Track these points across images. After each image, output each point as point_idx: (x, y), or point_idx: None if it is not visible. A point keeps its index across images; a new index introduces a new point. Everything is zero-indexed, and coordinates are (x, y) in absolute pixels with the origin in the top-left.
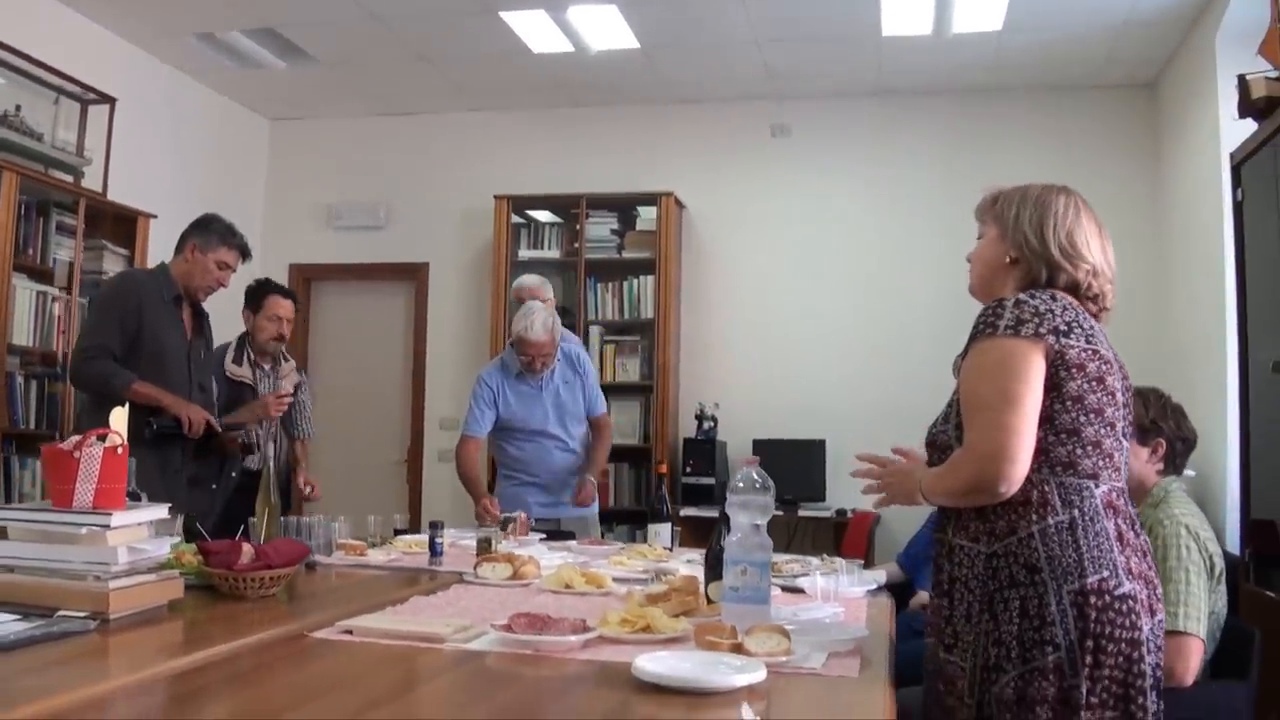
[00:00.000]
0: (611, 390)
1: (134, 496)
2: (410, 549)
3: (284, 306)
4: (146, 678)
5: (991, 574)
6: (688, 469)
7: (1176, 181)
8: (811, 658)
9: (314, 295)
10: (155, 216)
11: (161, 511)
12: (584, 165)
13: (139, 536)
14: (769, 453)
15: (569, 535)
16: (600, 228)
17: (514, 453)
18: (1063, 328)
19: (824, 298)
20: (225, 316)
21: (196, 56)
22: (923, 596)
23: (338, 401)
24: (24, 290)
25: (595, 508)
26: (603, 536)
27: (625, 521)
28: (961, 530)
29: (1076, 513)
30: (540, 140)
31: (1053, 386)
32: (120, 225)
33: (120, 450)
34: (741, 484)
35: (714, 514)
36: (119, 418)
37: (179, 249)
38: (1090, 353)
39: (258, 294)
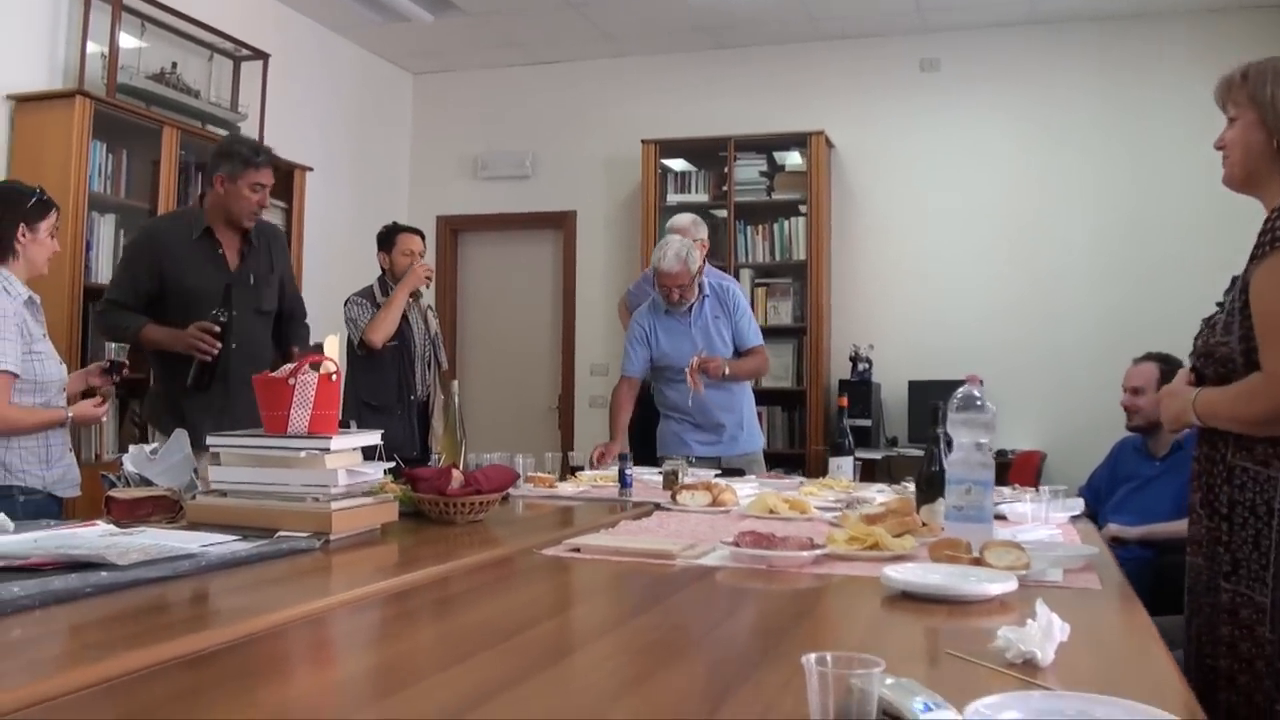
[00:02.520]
0: (764, 334)
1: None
2: (597, 482)
3: (415, 242)
4: (379, 591)
5: None
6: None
7: None
8: (1049, 572)
9: (461, 246)
10: (311, 169)
11: (375, 437)
12: (731, 108)
13: (354, 460)
14: (926, 394)
15: (738, 473)
16: (749, 169)
17: (669, 393)
18: None
19: (978, 235)
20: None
21: (343, 12)
22: (1111, 529)
23: (488, 351)
24: None
25: (760, 446)
26: None
27: (778, 465)
28: (1244, 452)
29: None
30: (686, 84)
31: None
32: (277, 179)
33: (334, 377)
34: (963, 402)
35: (874, 455)
36: (332, 345)
37: (209, 182)
38: None
39: (389, 236)
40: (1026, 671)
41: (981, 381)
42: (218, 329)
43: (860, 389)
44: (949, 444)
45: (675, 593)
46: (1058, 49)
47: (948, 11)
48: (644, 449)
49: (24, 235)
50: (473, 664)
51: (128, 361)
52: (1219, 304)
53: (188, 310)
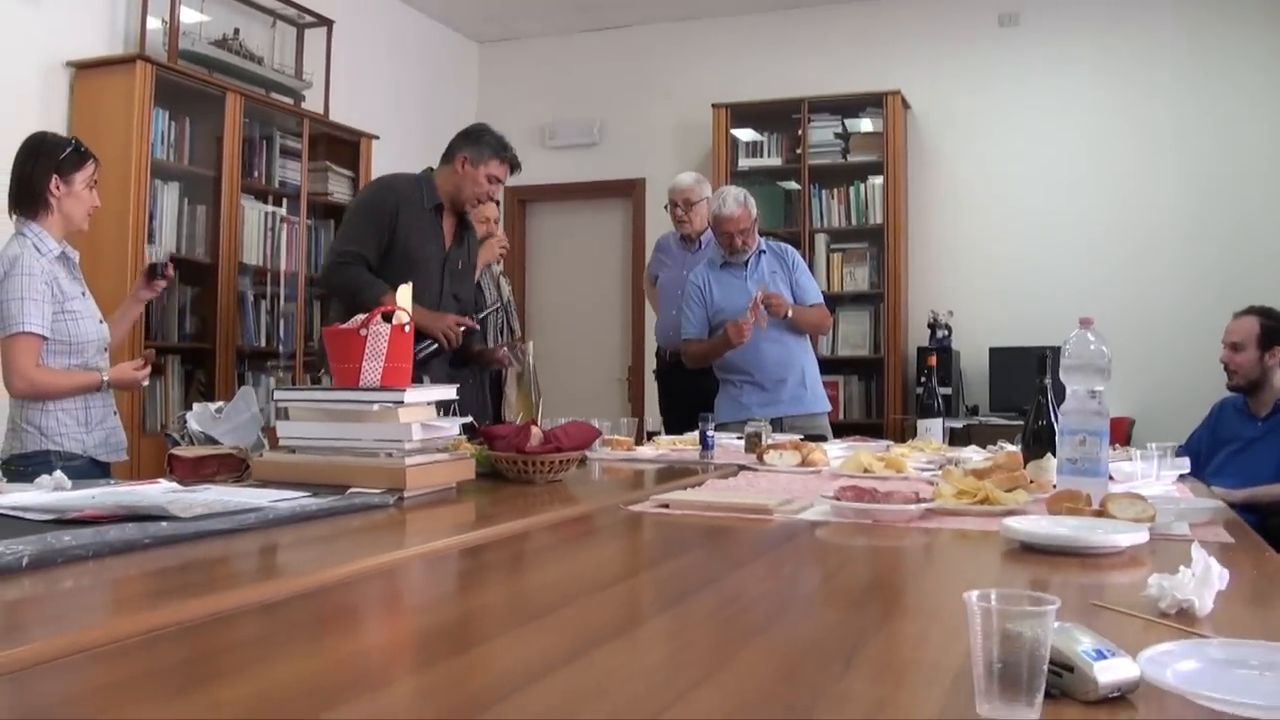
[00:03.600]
0: (840, 300)
1: None
2: (676, 446)
3: (489, 208)
4: (457, 544)
5: None
6: (922, 379)
7: None
8: (1175, 526)
9: (529, 216)
10: (377, 138)
11: (450, 391)
12: (803, 69)
13: (429, 415)
14: (1007, 361)
15: (819, 439)
16: (823, 132)
17: (726, 357)
18: None
19: (1060, 197)
20: None
21: None
22: (1215, 492)
23: (557, 321)
24: (252, 211)
25: (826, 410)
26: None
27: (857, 434)
28: None
29: None
30: (757, 46)
31: None
32: (342, 147)
33: (407, 329)
34: (1076, 347)
35: (955, 424)
36: (405, 295)
37: (447, 159)
38: None
39: None
40: (1184, 621)
41: (1094, 323)
42: (475, 327)
43: (940, 356)
44: (1059, 397)
45: (776, 547)
46: (1139, 1)
47: None
48: (688, 424)
49: (58, 188)
50: (568, 614)
51: (171, 261)
52: None
53: (403, 277)
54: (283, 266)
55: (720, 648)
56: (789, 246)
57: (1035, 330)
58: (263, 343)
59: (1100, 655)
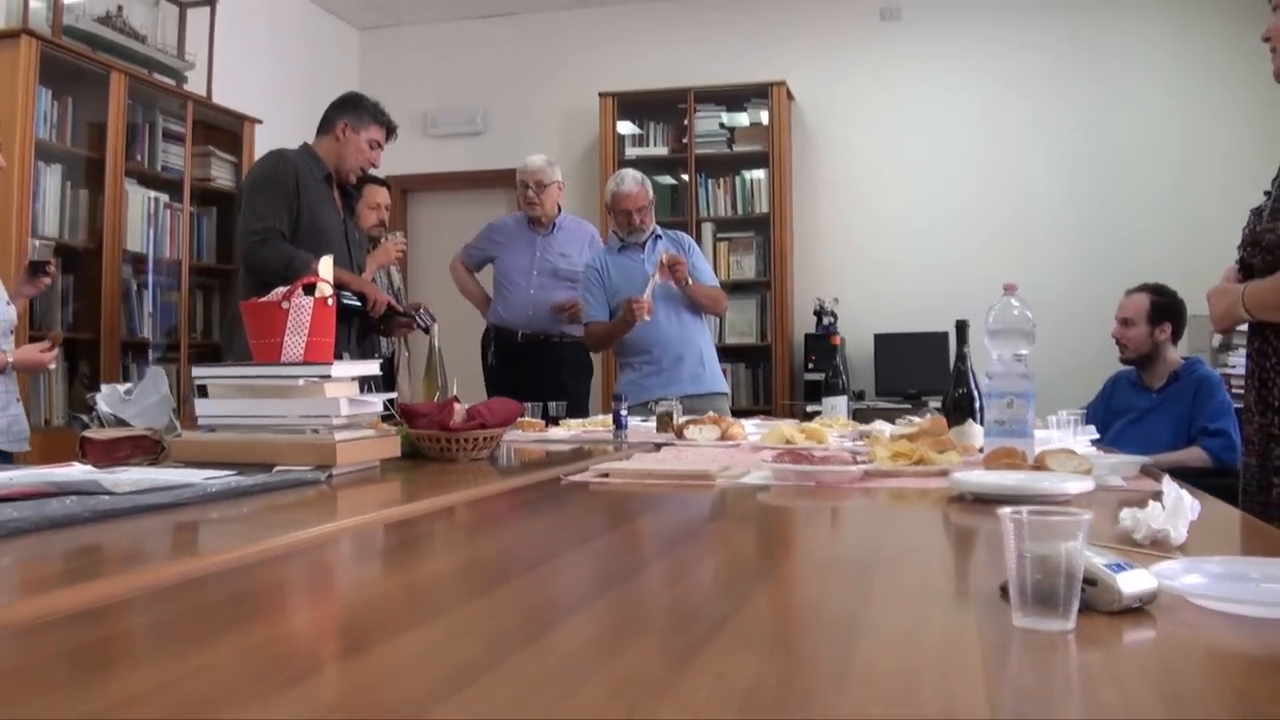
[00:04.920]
0: (727, 289)
1: None
2: (586, 428)
3: (381, 194)
4: (407, 513)
5: None
6: (809, 365)
7: None
8: (1109, 478)
9: (411, 206)
10: (260, 122)
11: (373, 367)
12: (690, 59)
13: (352, 390)
14: (892, 347)
15: None
16: (709, 122)
17: (625, 339)
18: None
19: (941, 185)
20: None
21: None
22: None
23: (440, 315)
24: (135, 196)
25: (725, 390)
26: None
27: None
28: None
29: None
30: (643, 35)
31: None
32: (225, 132)
33: (330, 302)
34: (1000, 314)
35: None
36: (326, 266)
37: (324, 129)
38: None
39: (355, 186)
40: (1161, 551)
41: (1018, 289)
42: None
43: (825, 343)
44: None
45: (726, 511)
46: None
47: None
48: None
49: None
50: (531, 581)
51: (52, 260)
52: (1266, 192)
53: (312, 248)
54: (165, 254)
55: (713, 615)
56: (684, 233)
57: (919, 316)
58: (146, 333)
59: (1119, 568)
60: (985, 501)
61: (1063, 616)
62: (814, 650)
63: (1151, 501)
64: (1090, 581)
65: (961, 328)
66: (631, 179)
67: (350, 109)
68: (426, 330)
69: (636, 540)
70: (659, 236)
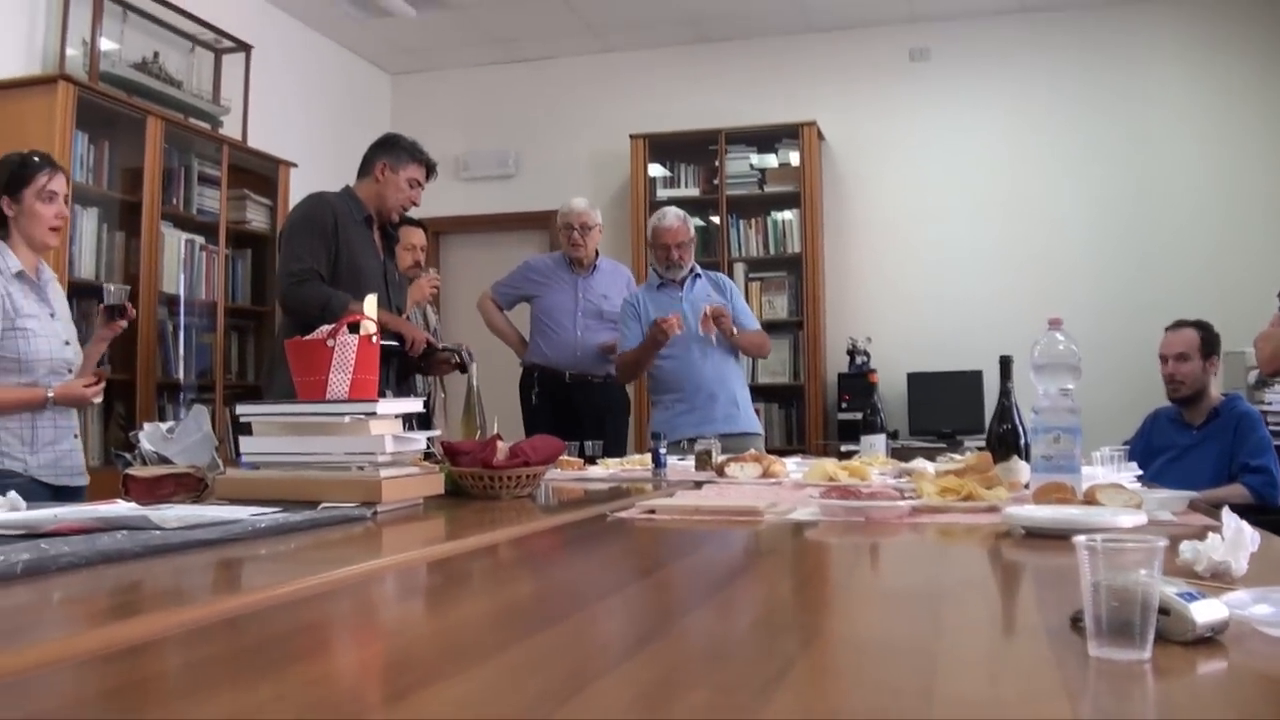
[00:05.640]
0: None
1: None
2: (625, 466)
3: (417, 235)
4: (455, 550)
5: None
6: (843, 404)
7: None
8: (1159, 513)
9: (444, 249)
10: (295, 165)
11: (417, 404)
12: (720, 101)
13: (396, 428)
14: (925, 386)
15: None
16: (740, 163)
17: (658, 373)
18: None
19: (972, 223)
20: None
21: (323, 8)
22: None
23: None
24: (171, 238)
25: (760, 430)
26: None
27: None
28: None
29: None
30: (674, 79)
31: None
32: (259, 176)
33: (374, 339)
34: (1045, 348)
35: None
36: (371, 305)
37: (364, 171)
38: None
39: (393, 226)
40: (1223, 583)
41: (1063, 323)
42: (438, 345)
43: (858, 382)
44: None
45: (777, 547)
46: (1047, 36)
47: (937, 0)
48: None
49: (9, 208)
50: (587, 617)
51: (128, 303)
52: None
53: (350, 289)
54: (200, 296)
55: (786, 648)
56: (724, 275)
57: (952, 355)
58: (179, 374)
59: (1191, 597)
60: (1036, 536)
61: (1139, 646)
62: (896, 681)
63: (1211, 534)
64: (1163, 611)
65: (1005, 363)
66: (674, 215)
67: (388, 149)
68: (465, 369)
69: (691, 576)
70: (698, 275)
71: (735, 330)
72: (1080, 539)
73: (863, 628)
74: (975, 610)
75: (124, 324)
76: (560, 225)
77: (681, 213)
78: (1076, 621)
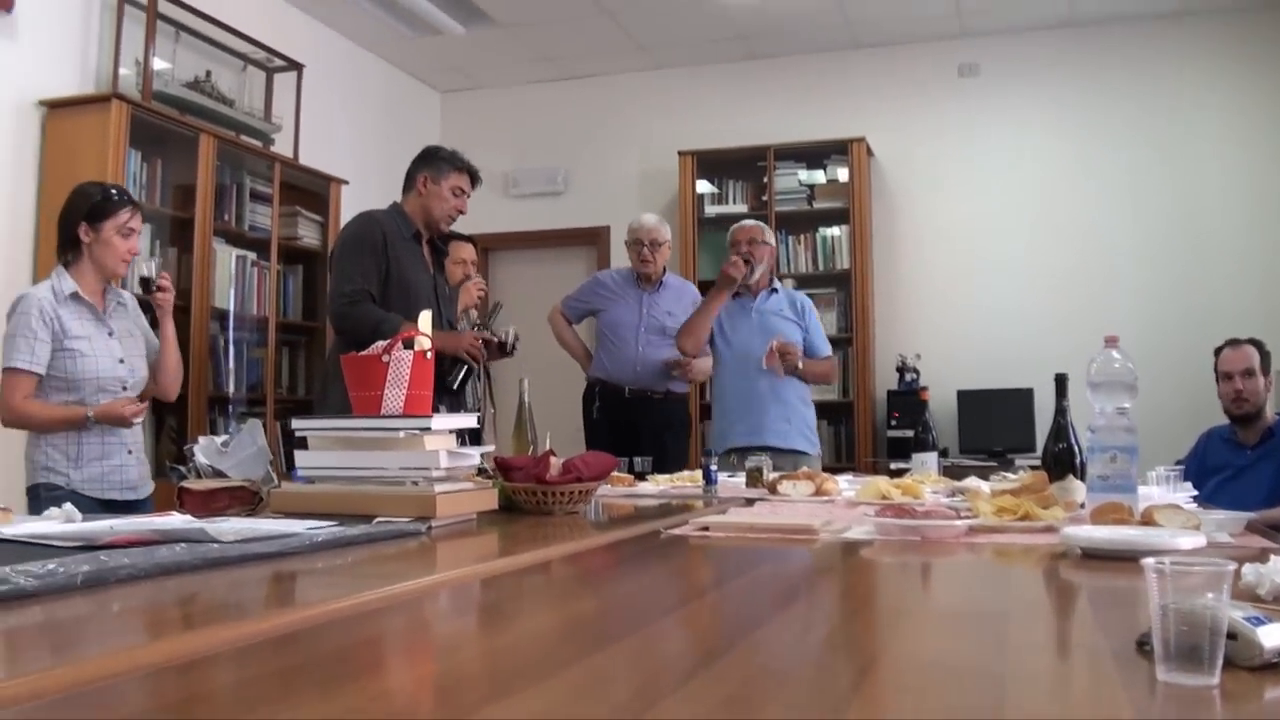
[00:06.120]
0: None
1: None
2: (675, 483)
3: (466, 249)
4: (511, 566)
5: None
6: (893, 422)
7: None
8: (1217, 534)
9: (493, 265)
10: (346, 183)
11: (471, 420)
12: (768, 117)
13: (451, 443)
14: (975, 403)
15: None
16: (788, 179)
17: (716, 380)
18: None
19: (1022, 240)
20: None
21: (371, 27)
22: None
23: (522, 370)
24: (224, 254)
25: (817, 451)
26: None
27: None
28: None
29: None
30: (722, 95)
31: None
32: (311, 192)
33: (429, 355)
34: (1102, 367)
35: None
36: (425, 321)
37: (408, 187)
38: None
39: (443, 240)
40: None
41: (1119, 341)
42: (492, 338)
43: (908, 399)
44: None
45: (834, 565)
46: (1097, 51)
47: (986, 15)
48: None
49: (87, 234)
50: (647, 636)
51: (161, 274)
52: None
53: (401, 306)
54: (251, 311)
55: (852, 667)
56: (804, 295)
57: (1002, 372)
58: (229, 388)
59: (1259, 621)
60: (1093, 557)
61: (1208, 672)
62: (966, 701)
63: (1273, 556)
64: (1230, 635)
65: (1061, 381)
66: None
67: (428, 162)
68: (506, 350)
69: (749, 593)
70: (775, 290)
71: (801, 365)
72: (1149, 561)
73: (927, 647)
74: (1037, 632)
75: (164, 295)
76: (630, 241)
77: (762, 224)
78: (1143, 644)
